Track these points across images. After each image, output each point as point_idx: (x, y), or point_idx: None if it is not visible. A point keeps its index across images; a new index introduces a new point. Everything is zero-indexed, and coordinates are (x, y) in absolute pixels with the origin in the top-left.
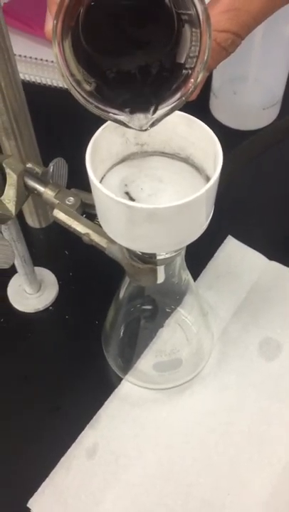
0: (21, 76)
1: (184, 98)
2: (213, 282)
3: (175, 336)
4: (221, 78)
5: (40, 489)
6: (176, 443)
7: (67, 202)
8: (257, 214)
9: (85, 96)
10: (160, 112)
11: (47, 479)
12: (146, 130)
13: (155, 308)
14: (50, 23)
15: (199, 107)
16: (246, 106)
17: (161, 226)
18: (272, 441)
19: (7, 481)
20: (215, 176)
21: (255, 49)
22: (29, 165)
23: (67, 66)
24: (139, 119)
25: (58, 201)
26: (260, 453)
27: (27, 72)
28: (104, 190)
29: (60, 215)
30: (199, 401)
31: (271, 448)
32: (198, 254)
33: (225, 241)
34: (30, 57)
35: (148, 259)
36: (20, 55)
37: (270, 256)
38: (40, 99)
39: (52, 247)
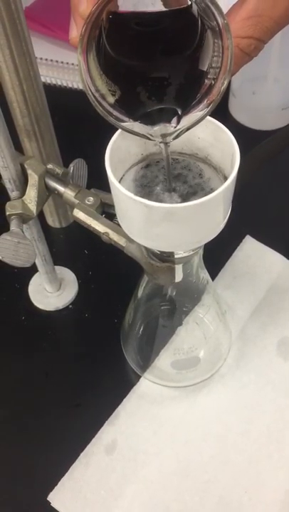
0: (42, 78)
1: (209, 108)
2: (232, 282)
3: (193, 334)
4: (240, 78)
5: (60, 483)
6: (194, 440)
7: (86, 202)
8: (276, 214)
9: (108, 109)
10: (184, 122)
11: (67, 474)
12: (168, 143)
13: (173, 306)
14: (74, 31)
15: (218, 107)
16: (265, 106)
17: (178, 225)
18: None
19: (29, 475)
20: (232, 175)
21: (275, 48)
22: (50, 166)
23: (91, 79)
24: (162, 130)
25: (78, 201)
26: (279, 451)
27: (48, 75)
28: (123, 189)
29: (79, 214)
30: (217, 399)
31: None
32: (217, 254)
33: (243, 240)
34: (52, 60)
35: (166, 258)
36: (41, 58)
37: None
38: (61, 101)
39: (72, 246)
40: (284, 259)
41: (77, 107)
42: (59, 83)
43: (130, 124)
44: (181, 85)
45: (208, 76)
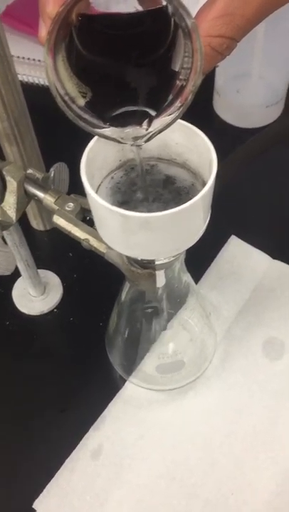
0: (24, 78)
1: (180, 110)
2: (217, 282)
3: (177, 338)
4: (223, 76)
5: (45, 490)
6: (181, 443)
7: (66, 208)
8: (261, 213)
9: (78, 112)
10: (156, 125)
11: (52, 480)
12: (140, 146)
13: (157, 310)
14: (42, 30)
15: (202, 106)
16: (250, 104)
17: (157, 233)
18: (277, 440)
19: (13, 482)
20: (209, 182)
21: (258, 45)
22: (30, 171)
23: (60, 81)
24: (134, 133)
25: (57, 207)
26: (265, 452)
27: (30, 74)
28: (98, 199)
29: (59, 221)
30: (203, 401)
31: (276, 447)
32: (202, 255)
33: (228, 240)
34: (34, 60)
35: (147, 265)
36: (23, 57)
37: (274, 255)
38: (42, 100)
39: (56, 249)
40: (269, 258)
41: (59, 107)
42: (42, 82)
43: (101, 127)
44: (153, 86)
45: (180, 77)
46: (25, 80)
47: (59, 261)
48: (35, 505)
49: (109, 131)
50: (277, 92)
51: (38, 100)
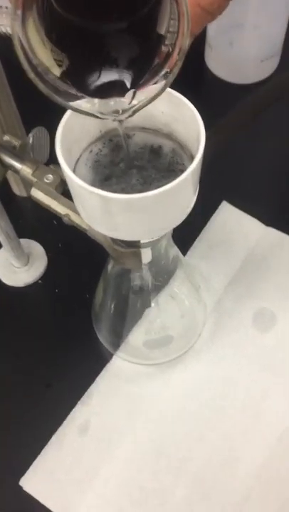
0: (2, 29)
1: (167, 79)
2: (207, 252)
3: (165, 313)
4: (216, 27)
5: (31, 467)
6: (169, 418)
7: (45, 180)
8: (253, 178)
9: (53, 84)
10: (141, 96)
11: (39, 457)
12: (122, 121)
13: (144, 283)
14: None
15: (194, 59)
16: (243, 58)
17: (140, 215)
18: (266, 413)
19: None
20: (196, 159)
21: None
22: (6, 137)
23: (32, 50)
24: (116, 105)
25: (35, 179)
26: (254, 426)
27: (3, 24)
28: (76, 179)
29: (38, 194)
30: (192, 375)
31: (265, 421)
32: (191, 222)
33: (219, 207)
34: (2, 7)
35: (131, 243)
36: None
37: (267, 222)
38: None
39: (40, 217)
40: (262, 225)
41: None
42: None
43: (78, 99)
44: (137, 52)
45: (166, 42)
46: (4, 31)
47: (43, 229)
48: (22, 482)
49: (88, 104)
50: (273, 44)
51: (12, 53)
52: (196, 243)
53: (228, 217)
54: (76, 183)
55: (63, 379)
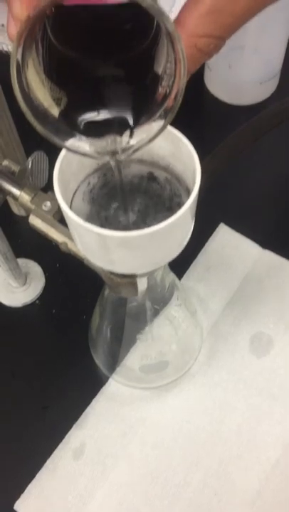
0: (4, 47)
1: (166, 119)
2: (205, 274)
3: (161, 338)
4: None
5: (26, 491)
6: (164, 442)
7: (43, 207)
8: (250, 201)
9: (53, 125)
10: (139, 135)
11: (33, 480)
12: (121, 161)
13: (141, 309)
14: (12, 27)
15: (193, 81)
16: (242, 80)
17: (137, 251)
18: (262, 439)
19: None
20: (192, 196)
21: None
22: (5, 162)
23: (32, 92)
24: (113, 146)
25: (34, 206)
26: (250, 451)
27: (4, 42)
28: (74, 216)
29: (36, 221)
30: (188, 399)
31: (261, 446)
32: (189, 243)
33: (217, 229)
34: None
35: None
36: (3, 25)
37: (264, 244)
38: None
39: (38, 236)
40: (259, 248)
41: None
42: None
43: (76, 140)
44: (135, 90)
45: (163, 83)
46: (6, 49)
47: (41, 249)
48: (17, 506)
49: (86, 144)
50: (272, 66)
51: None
52: (194, 265)
53: (226, 239)
54: (73, 219)
55: (59, 401)
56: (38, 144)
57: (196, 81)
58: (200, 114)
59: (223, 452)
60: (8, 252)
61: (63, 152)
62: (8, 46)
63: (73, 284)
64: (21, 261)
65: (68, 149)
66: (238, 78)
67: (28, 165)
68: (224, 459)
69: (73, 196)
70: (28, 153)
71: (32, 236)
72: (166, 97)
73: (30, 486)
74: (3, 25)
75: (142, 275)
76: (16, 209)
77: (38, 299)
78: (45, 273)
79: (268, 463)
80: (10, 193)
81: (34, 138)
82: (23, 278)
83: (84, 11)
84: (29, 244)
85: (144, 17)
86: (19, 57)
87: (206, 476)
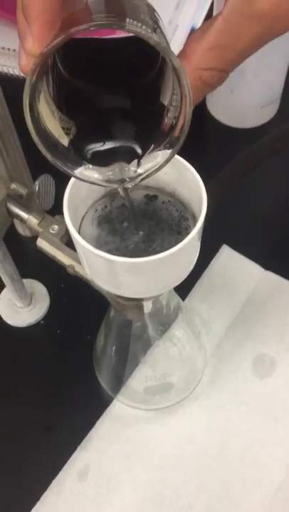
0: (10, 70)
1: (174, 149)
2: (208, 295)
3: (166, 359)
4: None
5: None
6: (168, 464)
7: (51, 230)
8: (252, 223)
9: (64, 155)
10: (147, 163)
11: (38, 503)
12: (129, 189)
13: (146, 330)
14: (23, 60)
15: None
16: (244, 104)
17: (144, 276)
18: (266, 461)
19: None
20: (199, 223)
21: None
22: (13, 186)
23: (44, 124)
24: (121, 174)
25: (41, 229)
26: (253, 474)
27: (9, 65)
28: (83, 242)
29: (43, 244)
30: (192, 420)
31: (264, 469)
32: None
33: (220, 250)
34: (14, 50)
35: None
36: (8, 48)
37: (266, 266)
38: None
39: (43, 256)
40: (261, 269)
41: None
42: (22, 74)
43: (85, 169)
44: (142, 120)
45: (169, 115)
46: (11, 72)
47: (46, 269)
48: None
49: (94, 172)
50: (273, 91)
51: (18, 94)
52: (197, 286)
53: (228, 260)
54: (82, 245)
55: (64, 422)
56: (44, 166)
57: (199, 105)
58: (203, 137)
59: (227, 475)
60: (14, 273)
61: (73, 179)
62: (14, 70)
63: (78, 304)
64: (26, 281)
65: (78, 178)
66: (240, 102)
67: (36, 188)
68: (228, 482)
69: (81, 221)
70: (33, 176)
71: (37, 256)
72: (172, 127)
73: (35, 509)
74: (3, 48)
75: (148, 298)
76: (20, 229)
77: (42, 319)
78: (49, 293)
79: (271, 487)
80: (18, 216)
81: (40, 161)
82: (28, 298)
83: (93, 44)
84: (34, 265)
85: (149, 50)
86: (32, 91)
87: (210, 499)
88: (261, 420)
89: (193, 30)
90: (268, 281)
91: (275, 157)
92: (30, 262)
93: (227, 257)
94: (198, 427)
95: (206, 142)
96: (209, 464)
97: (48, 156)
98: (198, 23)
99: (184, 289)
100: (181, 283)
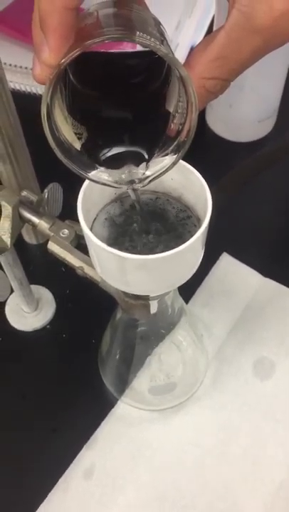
0: (16, 86)
1: (179, 153)
2: (209, 300)
3: (169, 360)
4: None
5: (38, 511)
6: (172, 464)
7: (61, 234)
8: (252, 231)
9: (77, 158)
10: (154, 166)
11: (45, 501)
12: (137, 189)
13: (150, 332)
14: (37, 69)
15: None
16: (242, 118)
17: (152, 273)
18: (267, 461)
19: (5, 504)
20: (204, 224)
21: None
22: (24, 193)
23: (57, 129)
24: (130, 176)
25: (52, 233)
26: (255, 473)
27: (23, 83)
28: (95, 240)
29: (54, 247)
30: (194, 421)
31: (265, 468)
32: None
33: (220, 258)
34: (26, 68)
35: (141, 296)
36: (15, 66)
37: (265, 273)
38: (35, 110)
39: (49, 263)
40: (260, 276)
41: None
42: (34, 91)
43: (97, 172)
44: (149, 125)
45: (174, 121)
46: (18, 88)
47: (51, 276)
48: None
49: (106, 175)
50: (270, 105)
51: (33, 110)
52: (199, 291)
53: (228, 267)
54: (95, 243)
55: (70, 423)
56: (51, 176)
57: (198, 119)
58: (201, 151)
59: (229, 475)
60: (22, 278)
61: (86, 183)
62: (25, 86)
63: (83, 309)
64: (33, 287)
65: (91, 180)
66: (238, 117)
67: (45, 195)
68: (230, 481)
69: (93, 223)
70: (41, 185)
71: (43, 263)
72: (178, 132)
73: (41, 507)
74: (12, 65)
75: (155, 297)
76: (27, 237)
77: (48, 323)
78: (55, 299)
79: (272, 485)
80: (29, 221)
81: (46, 171)
82: (34, 304)
83: (103, 56)
84: (40, 272)
85: (156, 61)
86: (49, 100)
87: (213, 498)
88: (262, 421)
89: (192, 49)
90: (267, 287)
91: (275, 166)
92: (37, 269)
93: (227, 264)
94: (200, 427)
95: (205, 156)
96: (211, 464)
97: (64, 160)
98: (198, 42)
99: (185, 294)
100: (184, 288)
